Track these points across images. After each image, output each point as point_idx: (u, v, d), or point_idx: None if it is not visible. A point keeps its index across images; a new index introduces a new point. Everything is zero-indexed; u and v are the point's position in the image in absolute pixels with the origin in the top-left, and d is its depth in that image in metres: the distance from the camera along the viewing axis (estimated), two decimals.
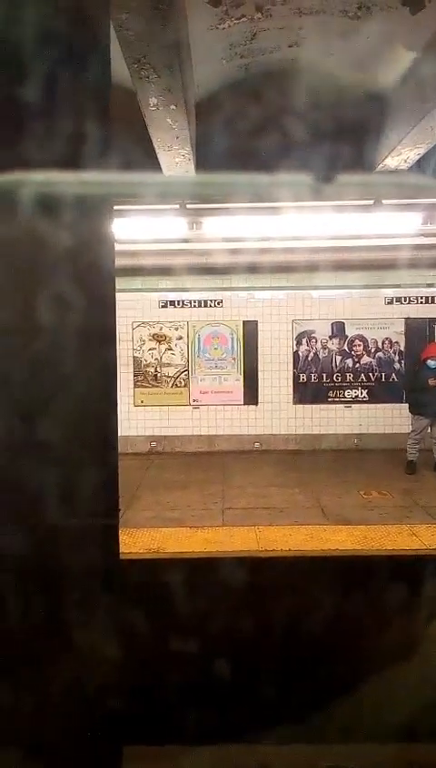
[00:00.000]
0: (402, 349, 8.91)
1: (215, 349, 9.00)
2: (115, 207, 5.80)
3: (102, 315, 0.89)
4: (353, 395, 8.98)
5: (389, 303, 8.90)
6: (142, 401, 9.00)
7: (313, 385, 8.99)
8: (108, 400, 0.91)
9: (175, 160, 5.07)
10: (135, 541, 5.07)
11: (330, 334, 8.95)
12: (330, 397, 8.99)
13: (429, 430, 7.53)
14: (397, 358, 8.94)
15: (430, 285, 8.79)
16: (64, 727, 1.02)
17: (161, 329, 9.00)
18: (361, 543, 4.98)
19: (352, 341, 8.94)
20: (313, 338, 8.95)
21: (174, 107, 4.07)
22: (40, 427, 0.92)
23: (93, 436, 0.89)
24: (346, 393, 8.99)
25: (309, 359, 8.98)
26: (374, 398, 8.96)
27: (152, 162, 5.09)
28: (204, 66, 4.59)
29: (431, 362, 7.41)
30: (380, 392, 8.95)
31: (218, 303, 8.94)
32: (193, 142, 4.91)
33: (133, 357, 8.96)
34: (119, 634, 0.96)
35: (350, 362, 8.97)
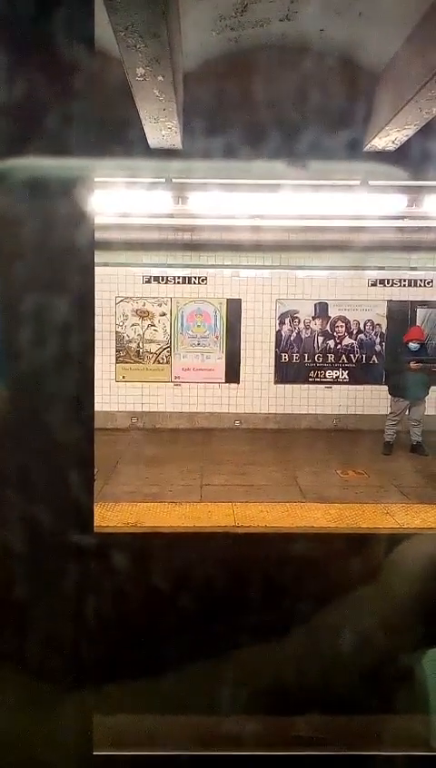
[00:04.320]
0: (384, 331, 8.97)
1: (198, 326, 8.98)
2: (99, 179, 5.71)
3: (80, 303, 0.88)
4: (334, 376, 9.05)
5: (372, 285, 8.93)
6: (123, 377, 8.97)
7: (295, 365, 9.03)
8: (83, 372, 0.91)
9: (162, 132, 4.99)
10: (113, 515, 5.10)
11: (313, 314, 8.97)
12: (311, 377, 9.05)
13: (407, 412, 7.64)
14: (378, 340, 9.01)
15: (413, 268, 8.82)
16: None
17: (144, 304, 8.94)
18: (336, 521, 5.07)
19: (335, 322, 8.98)
20: (296, 318, 8.97)
21: (162, 78, 3.99)
22: (10, 395, 0.91)
23: (66, 404, 0.88)
24: (327, 374, 9.05)
25: (291, 338, 9.00)
26: (354, 379, 9.04)
27: (137, 134, 5.01)
28: (193, 37, 4.50)
29: (412, 345, 7.48)
30: (360, 374, 9.02)
31: (202, 280, 8.89)
32: (181, 115, 4.84)
33: (116, 332, 8.91)
34: (91, 607, 0.97)
35: (331, 343, 9.01)
